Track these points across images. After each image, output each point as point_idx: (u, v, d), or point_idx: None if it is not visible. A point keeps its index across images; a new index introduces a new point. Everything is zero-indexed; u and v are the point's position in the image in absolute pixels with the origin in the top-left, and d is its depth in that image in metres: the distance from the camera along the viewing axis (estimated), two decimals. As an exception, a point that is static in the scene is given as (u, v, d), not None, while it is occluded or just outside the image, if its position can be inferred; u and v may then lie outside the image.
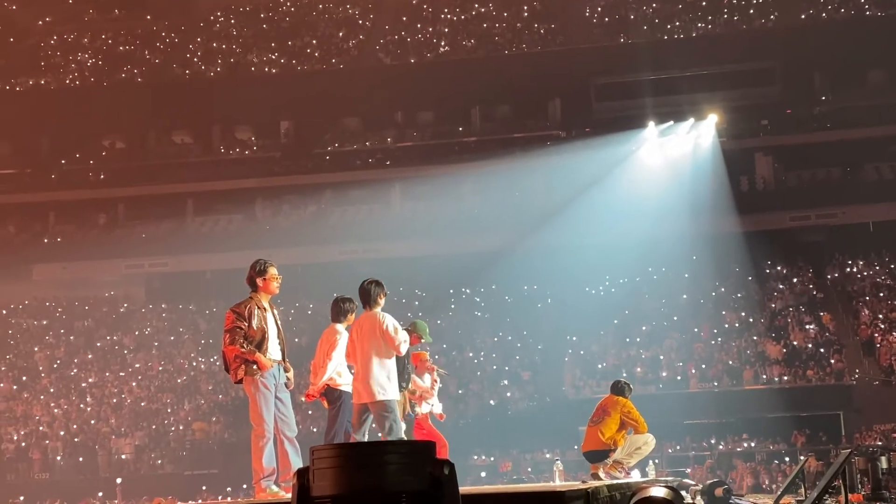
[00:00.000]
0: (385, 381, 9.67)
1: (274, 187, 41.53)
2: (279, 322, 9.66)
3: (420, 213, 39.86)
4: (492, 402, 31.17)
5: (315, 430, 27.91)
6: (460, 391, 31.72)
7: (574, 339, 33.46)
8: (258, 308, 9.44)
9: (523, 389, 31.53)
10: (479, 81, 40.47)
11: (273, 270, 9.60)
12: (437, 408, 12.45)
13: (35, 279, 41.14)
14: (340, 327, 10.22)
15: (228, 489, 25.75)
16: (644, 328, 33.42)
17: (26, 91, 43.94)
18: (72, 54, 46.28)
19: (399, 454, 5.41)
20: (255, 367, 9.30)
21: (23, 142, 43.43)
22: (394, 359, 9.80)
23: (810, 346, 31.17)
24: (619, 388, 12.67)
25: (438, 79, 41.02)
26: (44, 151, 43.72)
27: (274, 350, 9.47)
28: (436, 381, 12.32)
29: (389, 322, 9.69)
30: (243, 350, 9.27)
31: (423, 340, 11.55)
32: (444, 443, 11.95)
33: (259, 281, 9.54)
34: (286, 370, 9.58)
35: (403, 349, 9.84)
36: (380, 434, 9.79)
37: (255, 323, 9.35)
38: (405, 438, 9.90)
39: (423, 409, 11.92)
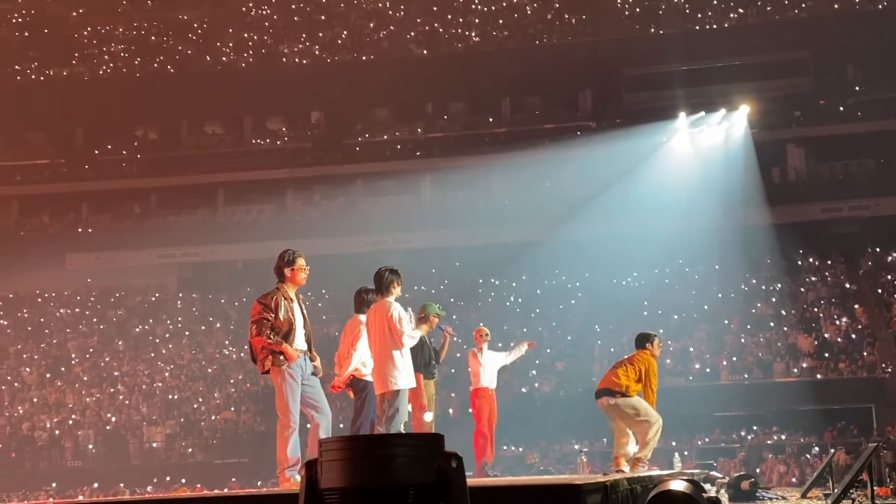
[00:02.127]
0: (394, 371, 9.62)
1: (304, 178, 41.64)
2: (305, 312, 9.65)
3: (450, 204, 39.90)
4: (523, 389, 31.10)
5: (342, 420, 27.93)
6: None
7: (603, 330, 33.37)
8: (284, 299, 9.43)
9: (552, 381, 31.48)
10: (509, 72, 40.37)
11: (301, 261, 9.56)
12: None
13: (68, 268, 41.44)
14: (363, 318, 10.21)
15: (259, 483, 25.79)
16: (674, 320, 33.26)
17: (60, 82, 44.24)
18: (105, 45, 46.47)
19: (407, 447, 5.40)
20: (281, 357, 9.29)
21: (57, 132, 43.77)
22: (406, 347, 9.74)
23: (842, 338, 30.92)
24: (642, 340, 12.65)
25: (469, 70, 40.93)
26: (77, 142, 44.03)
27: (300, 341, 9.46)
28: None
29: (396, 312, 9.63)
30: (270, 341, 9.28)
31: (438, 318, 11.53)
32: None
33: (287, 271, 9.52)
34: (312, 359, 9.55)
35: (407, 342, 9.73)
36: (379, 427, 9.76)
37: (281, 314, 9.35)
38: (403, 431, 9.81)
39: (427, 416, 11.76)
